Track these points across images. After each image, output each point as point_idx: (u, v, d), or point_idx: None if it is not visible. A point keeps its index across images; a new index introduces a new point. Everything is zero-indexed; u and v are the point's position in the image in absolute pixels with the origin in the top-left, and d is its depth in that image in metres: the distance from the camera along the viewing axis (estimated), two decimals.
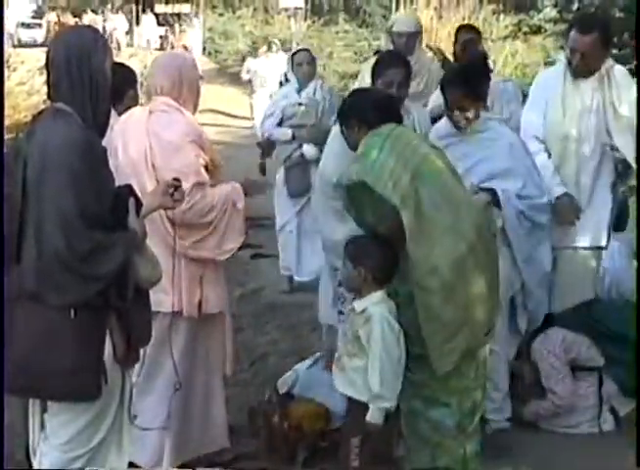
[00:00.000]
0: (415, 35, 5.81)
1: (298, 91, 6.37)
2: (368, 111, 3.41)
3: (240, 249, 8.09)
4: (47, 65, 2.74)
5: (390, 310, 3.17)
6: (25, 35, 34.67)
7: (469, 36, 5.91)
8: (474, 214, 3.23)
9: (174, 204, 3.10)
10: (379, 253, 3.20)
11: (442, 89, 4.08)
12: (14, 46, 31.24)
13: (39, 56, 15.51)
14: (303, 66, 6.35)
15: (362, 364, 3.14)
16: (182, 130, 3.47)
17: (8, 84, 10.55)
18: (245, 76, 15.62)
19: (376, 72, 4.19)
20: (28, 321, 2.63)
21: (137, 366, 3.05)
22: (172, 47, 22.40)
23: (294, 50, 6.74)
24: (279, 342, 5.52)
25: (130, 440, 2.93)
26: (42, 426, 2.82)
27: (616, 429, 4.20)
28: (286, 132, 6.28)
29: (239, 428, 4.17)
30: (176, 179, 3.12)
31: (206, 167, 3.57)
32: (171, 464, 3.67)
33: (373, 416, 3.12)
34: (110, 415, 2.80)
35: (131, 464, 3.08)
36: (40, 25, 35.83)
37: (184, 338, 3.63)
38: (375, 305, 3.17)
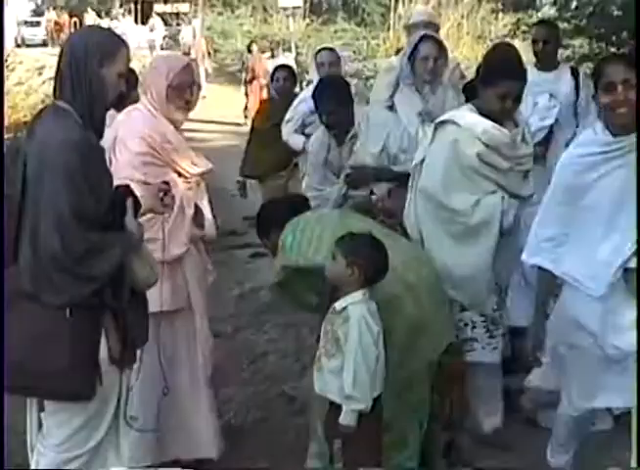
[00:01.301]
0: (432, 27, 5.25)
1: None
2: (286, 218, 3.55)
3: (239, 248, 8.11)
4: (59, 61, 2.76)
5: (370, 311, 3.12)
6: (28, 33, 34.40)
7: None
8: (408, 251, 3.47)
9: (164, 208, 3.10)
10: (376, 254, 3.18)
11: (595, 74, 3.28)
12: (17, 45, 31.14)
13: (37, 56, 15.54)
14: (325, 66, 5.60)
15: (339, 365, 3.09)
16: (135, 128, 3.47)
17: (6, 84, 10.54)
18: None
19: (487, 80, 3.67)
20: (25, 320, 2.63)
21: (135, 368, 3.02)
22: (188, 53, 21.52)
23: (317, 48, 6.05)
24: (278, 341, 5.51)
25: (128, 442, 2.93)
26: (40, 425, 2.83)
27: (612, 427, 4.19)
28: (298, 142, 5.83)
29: (238, 427, 4.17)
30: (165, 183, 3.13)
31: (179, 173, 3.56)
32: (146, 460, 3.59)
33: (345, 418, 3.05)
34: (107, 417, 2.80)
35: None
36: (40, 23, 35.50)
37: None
38: (354, 304, 3.12)
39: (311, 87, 5.61)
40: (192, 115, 3.73)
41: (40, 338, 2.62)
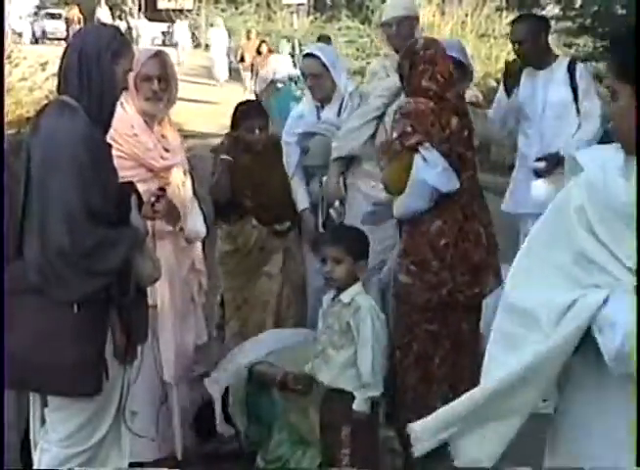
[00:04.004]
0: (408, 21, 4.54)
1: (318, 111, 4.50)
2: None
3: None
4: (63, 57, 2.76)
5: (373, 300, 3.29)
6: (51, 26, 33.28)
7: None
8: None
9: (154, 214, 3.11)
10: (366, 240, 3.36)
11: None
12: (36, 40, 30.64)
13: (41, 51, 15.51)
14: (308, 79, 4.46)
15: (350, 355, 3.20)
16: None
17: (10, 80, 10.53)
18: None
19: None
20: (31, 316, 2.63)
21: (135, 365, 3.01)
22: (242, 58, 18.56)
23: (303, 53, 4.81)
24: None
25: (129, 440, 2.93)
26: (43, 421, 2.83)
27: None
28: (301, 199, 4.48)
29: None
30: (161, 189, 3.14)
31: (149, 168, 3.54)
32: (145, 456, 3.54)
33: (360, 405, 3.17)
34: (110, 413, 2.81)
35: (132, 464, 3.08)
36: (62, 15, 34.11)
37: None
38: (359, 295, 3.25)
39: (307, 101, 4.62)
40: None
41: (47, 334, 2.62)
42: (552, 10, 14.49)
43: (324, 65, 4.36)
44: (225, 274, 4.51)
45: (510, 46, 17.72)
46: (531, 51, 4.76)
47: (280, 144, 4.52)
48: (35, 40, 31.19)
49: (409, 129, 3.59)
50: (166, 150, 3.64)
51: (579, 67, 4.77)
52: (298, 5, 23.49)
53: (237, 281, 4.46)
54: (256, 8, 27.72)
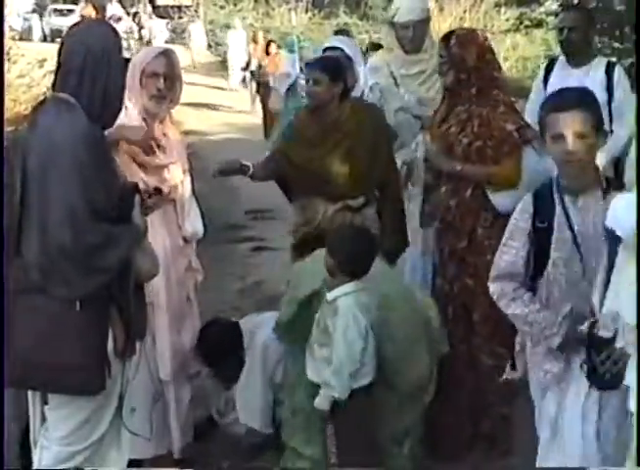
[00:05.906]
0: (423, 24, 4.61)
1: None
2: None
3: (241, 241, 8.08)
4: (60, 53, 2.72)
5: (359, 303, 3.17)
6: (60, 24, 32.36)
7: None
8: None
9: (146, 210, 3.11)
10: (349, 245, 3.21)
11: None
12: (44, 37, 30.23)
13: (39, 48, 15.50)
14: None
15: (327, 354, 3.19)
16: None
17: (8, 77, 10.51)
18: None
19: None
20: (32, 314, 2.61)
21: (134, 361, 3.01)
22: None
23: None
24: None
25: (129, 438, 2.92)
26: (43, 418, 2.82)
27: None
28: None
29: None
30: (157, 189, 3.15)
31: (143, 165, 3.52)
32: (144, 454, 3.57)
33: (320, 402, 3.17)
34: (109, 411, 2.81)
35: (130, 461, 3.07)
36: (73, 11, 33.21)
37: None
38: (345, 296, 3.18)
39: None
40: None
41: (50, 332, 2.61)
42: (550, 6, 14.49)
43: (347, 56, 4.30)
44: (292, 247, 4.24)
45: (508, 43, 17.68)
46: (578, 40, 4.64)
47: (367, 112, 4.11)
48: (44, 38, 30.85)
49: (522, 122, 3.62)
50: (163, 148, 3.63)
51: (618, 69, 4.64)
52: (297, 1, 23.48)
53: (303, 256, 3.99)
54: (255, 4, 27.68)
